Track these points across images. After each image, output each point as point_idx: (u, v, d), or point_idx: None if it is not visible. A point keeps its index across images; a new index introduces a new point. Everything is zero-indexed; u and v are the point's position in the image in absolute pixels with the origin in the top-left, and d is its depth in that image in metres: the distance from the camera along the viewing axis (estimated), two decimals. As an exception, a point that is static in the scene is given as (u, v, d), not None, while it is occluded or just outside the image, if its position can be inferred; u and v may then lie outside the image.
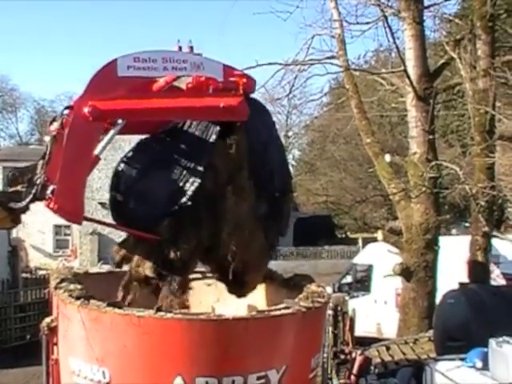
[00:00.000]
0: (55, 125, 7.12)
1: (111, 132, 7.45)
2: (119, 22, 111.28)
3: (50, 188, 6.92)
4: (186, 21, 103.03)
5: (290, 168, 8.77)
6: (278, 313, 7.14)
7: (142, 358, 6.70)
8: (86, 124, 6.93)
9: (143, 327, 6.66)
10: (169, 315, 6.70)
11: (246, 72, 8.09)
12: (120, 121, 7.46)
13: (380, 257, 21.22)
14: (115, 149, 40.91)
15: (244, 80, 7.83)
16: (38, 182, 7.04)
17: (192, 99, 7.57)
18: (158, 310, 6.74)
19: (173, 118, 7.84)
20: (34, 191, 7.00)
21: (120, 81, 7.15)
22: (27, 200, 7.04)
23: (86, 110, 6.90)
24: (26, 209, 7.13)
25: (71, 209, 7.05)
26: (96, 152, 7.33)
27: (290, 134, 71.78)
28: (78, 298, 7.15)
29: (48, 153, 7.09)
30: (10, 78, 76.73)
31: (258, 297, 8.91)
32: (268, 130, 8.31)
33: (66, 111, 7.09)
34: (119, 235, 32.67)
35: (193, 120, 7.90)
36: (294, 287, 8.43)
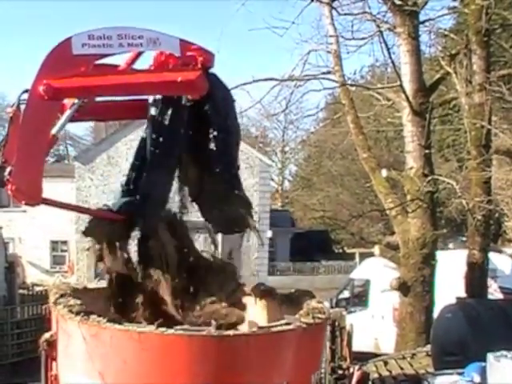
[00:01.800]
0: (12, 107, 7.08)
1: (68, 111, 7.37)
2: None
3: (8, 169, 6.82)
4: (184, 34, 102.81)
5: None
6: (278, 329, 7.11)
7: (143, 374, 6.67)
8: (41, 103, 6.83)
9: (143, 343, 6.64)
10: (169, 331, 6.69)
11: (203, 46, 7.96)
12: (77, 100, 7.41)
13: (377, 272, 21.24)
14: (112, 165, 41.27)
15: (202, 54, 7.74)
16: None
17: (150, 74, 7.57)
18: (159, 325, 6.74)
19: (130, 94, 7.81)
20: None
21: (75, 59, 7.04)
22: None
23: (40, 88, 6.81)
24: None
25: (28, 189, 6.91)
26: (53, 131, 7.23)
27: (287, 149, 71.82)
28: (77, 314, 7.13)
29: (5, 135, 7.06)
30: (6, 95, 76.77)
31: (259, 313, 8.90)
32: (226, 106, 8.25)
33: (24, 95, 7.02)
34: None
35: (151, 95, 7.88)
36: (295, 303, 8.41)
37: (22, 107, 7.04)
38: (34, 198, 7.12)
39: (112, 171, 40.33)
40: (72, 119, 7.57)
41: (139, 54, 7.91)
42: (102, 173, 40.28)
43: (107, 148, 40.58)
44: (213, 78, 7.81)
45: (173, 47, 7.61)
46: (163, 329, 6.69)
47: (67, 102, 7.49)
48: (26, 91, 6.98)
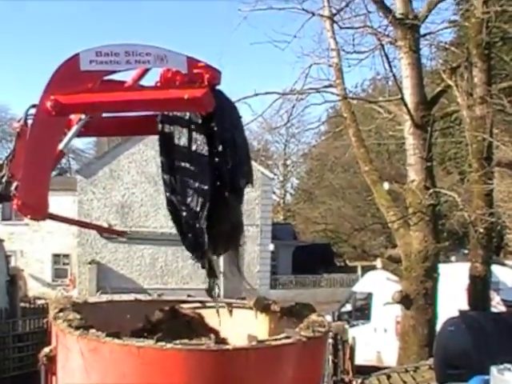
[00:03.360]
0: (19, 122, 7.09)
1: (75, 127, 7.37)
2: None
3: (14, 184, 6.80)
4: (185, 48, 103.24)
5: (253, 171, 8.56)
6: (278, 343, 7.03)
7: (142, 389, 6.62)
8: (49, 118, 6.80)
9: (142, 357, 6.57)
10: (168, 345, 6.61)
11: (209, 63, 8.00)
12: (83, 116, 7.43)
13: (379, 285, 21.15)
14: (114, 178, 41.34)
15: (209, 72, 7.68)
16: (3, 179, 6.93)
17: (156, 91, 7.54)
18: (158, 340, 6.68)
19: (137, 110, 7.79)
20: None
21: (83, 75, 7.00)
22: None
23: (48, 104, 6.78)
24: None
25: (34, 204, 6.88)
26: (60, 147, 7.26)
27: (289, 162, 72.00)
28: (77, 328, 7.07)
29: (12, 150, 7.10)
30: (9, 108, 76.92)
31: (258, 326, 8.84)
32: (233, 121, 8.23)
33: (31, 110, 7.08)
34: (118, 264, 32.42)
35: (158, 112, 7.88)
36: (295, 316, 8.33)
37: (29, 122, 7.06)
38: (41, 212, 7.11)
39: (114, 185, 40.41)
40: (78, 134, 7.56)
41: (146, 71, 7.90)
42: (104, 186, 40.34)
43: (109, 162, 40.67)
44: (219, 95, 7.81)
45: (180, 64, 7.58)
46: (162, 343, 6.62)
47: (74, 117, 7.50)
48: (34, 106, 6.95)
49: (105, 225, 39.35)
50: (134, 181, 40.54)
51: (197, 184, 7.74)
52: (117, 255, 39.74)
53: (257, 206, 40.72)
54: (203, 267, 8.08)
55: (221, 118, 7.76)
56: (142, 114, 7.99)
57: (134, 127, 8.46)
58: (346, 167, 51.84)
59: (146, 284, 39.80)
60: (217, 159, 7.83)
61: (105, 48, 7.16)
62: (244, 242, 8.39)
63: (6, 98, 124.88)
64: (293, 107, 18.41)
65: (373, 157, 21.37)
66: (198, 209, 7.67)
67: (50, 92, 6.85)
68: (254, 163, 38.40)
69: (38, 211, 7.06)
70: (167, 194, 8.02)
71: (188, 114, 7.82)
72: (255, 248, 41.67)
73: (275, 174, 63.99)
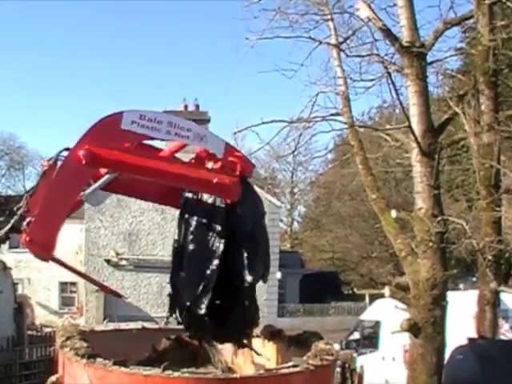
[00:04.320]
0: (49, 161, 7.23)
1: (101, 180, 7.46)
2: (124, 80, 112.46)
3: (28, 219, 7.00)
4: (193, 77, 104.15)
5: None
6: (286, 371, 7.02)
7: (149, 418, 6.58)
8: (78, 166, 6.94)
9: (150, 386, 6.55)
10: (175, 374, 6.60)
11: (245, 155, 8.22)
12: (112, 172, 7.48)
13: (387, 313, 21.04)
14: (122, 207, 41.35)
15: (243, 163, 7.92)
16: (18, 212, 7.12)
17: (188, 168, 7.68)
18: (165, 368, 6.65)
19: (165, 181, 7.87)
20: (12, 221, 7.10)
21: (121, 134, 7.16)
22: (5, 229, 7.15)
23: (81, 152, 6.90)
24: (4, 237, 7.20)
25: (42, 243, 7.06)
26: (81, 195, 7.33)
27: (296, 190, 72.01)
28: (84, 357, 7.06)
29: (35, 185, 7.18)
30: (18, 136, 77.00)
31: (266, 355, 8.80)
32: (255, 215, 8.23)
33: (64, 152, 7.13)
34: (125, 293, 32.33)
35: (185, 187, 7.97)
36: (303, 345, 8.32)
37: (59, 164, 7.19)
38: (46, 253, 7.28)
39: (122, 213, 40.40)
40: (102, 187, 7.69)
41: (183, 146, 8.04)
42: (112, 214, 40.33)
43: (117, 190, 40.74)
44: (247, 187, 7.98)
45: (217, 148, 7.80)
46: (169, 372, 6.62)
47: (103, 171, 7.57)
48: (67, 149, 7.15)
49: (112, 253, 39.49)
50: (141, 209, 40.51)
51: (205, 270, 7.77)
52: (124, 283, 39.63)
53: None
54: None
55: (243, 209, 7.84)
56: (169, 185, 8.08)
57: (158, 195, 8.56)
58: (354, 195, 51.82)
59: (153, 312, 39.66)
60: (231, 251, 7.85)
61: (150, 113, 7.36)
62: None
63: (14, 126, 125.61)
64: (300, 135, 18.43)
65: (380, 184, 21.33)
66: (199, 293, 7.69)
67: (85, 141, 7.02)
68: (261, 191, 38.09)
69: (44, 251, 7.21)
70: (173, 272, 8.06)
71: (213, 198, 7.97)
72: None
73: (282, 202, 63.98)
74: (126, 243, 40.43)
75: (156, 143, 8.04)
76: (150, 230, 40.63)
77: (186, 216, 7.96)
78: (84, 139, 7.01)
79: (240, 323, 8.05)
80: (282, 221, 63.35)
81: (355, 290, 63.39)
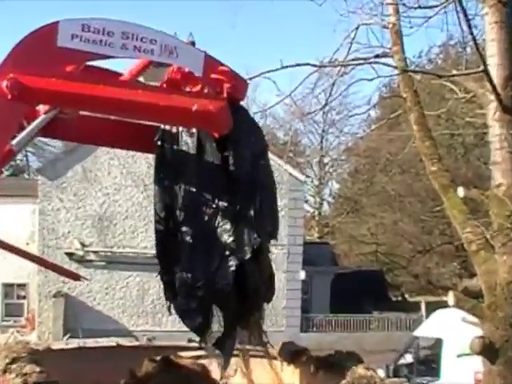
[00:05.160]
0: None
1: (37, 120, 7.30)
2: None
3: None
4: (187, 4, 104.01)
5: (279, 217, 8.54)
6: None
7: None
8: (1, 102, 6.74)
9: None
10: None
11: (234, 70, 7.88)
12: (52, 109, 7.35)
13: (451, 328, 21.07)
14: (89, 181, 41.55)
15: (231, 80, 7.64)
16: None
17: (157, 95, 7.40)
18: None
19: (126, 115, 7.70)
20: None
21: (59, 53, 6.92)
22: None
23: (3, 83, 6.68)
24: None
25: None
26: (13, 143, 7.18)
27: (326, 160, 71.85)
28: (35, 385, 7.08)
29: None
30: None
31: (287, 381, 8.84)
32: (254, 152, 8.13)
33: None
34: (94, 298, 32.74)
35: (155, 122, 7.83)
36: (334, 369, 8.32)
37: None
38: None
39: (89, 189, 40.57)
40: (44, 133, 7.62)
41: (148, 64, 7.84)
42: (76, 191, 40.47)
43: (83, 158, 40.76)
44: (240, 113, 7.78)
45: (194, 63, 7.51)
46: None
47: (41, 108, 7.44)
48: None
49: (76, 244, 39.65)
50: (116, 184, 40.68)
51: (215, 233, 7.78)
52: (92, 285, 39.85)
53: (283, 220, 40.62)
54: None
55: (237, 146, 7.72)
56: (138, 122, 7.93)
57: (125, 138, 8.37)
58: (405, 167, 51.83)
59: (132, 324, 39.91)
60: (226, 204, 7.81)
61: (95, 22, 7.10)
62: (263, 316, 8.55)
63: None
64: (333, 84, 18.33)
65: (442, 153, 21.23)
66: (218, 264, 7.72)
67: (8, 68, 6.80)
68: (279, 161, 38.30)
69: None
70: (157, 227, 8.01)
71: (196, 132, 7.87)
72: (281, 277, 41.55)
73: (308, 177, 64.11)
74: (95, 231, 40.61)
75: (109, 64, 7.80)
76: (128, 212, 40.82)
77: (166, 167, 7.89)
78: (6, 65, 6.76)
79: (253, 300, 8.14)
80: (307, 201, 63.47)
81: (407, 296, 63.55)
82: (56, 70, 6.95)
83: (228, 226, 7.65)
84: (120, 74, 7.86)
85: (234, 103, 7.58)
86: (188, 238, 7.76)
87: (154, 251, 8.24)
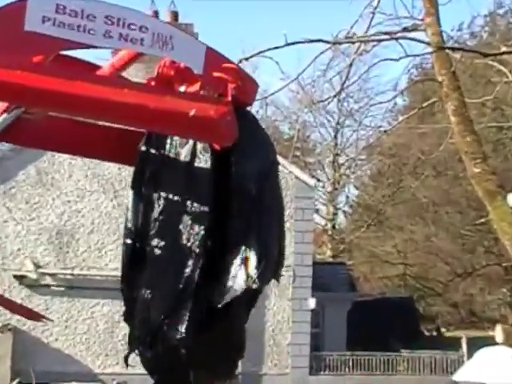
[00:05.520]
0: None
1: None
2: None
3: None
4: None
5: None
6: None
7: None
8: None
9: None
10: None
11: (241, 68, 7.81)
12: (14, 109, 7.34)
13: (501, 371, 21.06)
14: (45, 185, 41.49)
15: (238, 79, 7.69)
16: None
17: (144, 94, 7.33)
18: None
19: (106, 119, 7.59)
20: None
21: (26, 38, 6.92)
22: None
23: None
24: None
25: None
26: None
27: (342, 160, 71.69)
28: None
29: None
30: None
31: None
32: (263, 168, 8.08)
33: None
34: (50, 332, 32.80)
35: (141, 128, 7.72)
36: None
37: None
38: None
39: (45, 196, 40.51)
40: (2, 137, 7.68)
41: (135, 57, 7.77)
42: (28, 198, 40.44)
43: (37, 157, 40.70)
44: (247, 120, 7.71)
45: (193, 58, 7.35)
46: None
47: (1, 106, 7.44)
48: None
49: (28, 265, 39.61)
50: (79, 190, 40.64)
51: (182, 267, 7.72)
52: (49, 317, 39.79)
53: (288, 235, 40.34)
54: None
55: (240, 159, 7.68)
56: (114, 126, 7.87)
57: (97, 146, 8.32)
58: (441, 168, 51.88)
59: (99, 366, 39.87)
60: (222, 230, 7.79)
61: (73, 2, 6.97)
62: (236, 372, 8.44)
63: None
64: (350, 65, 18.42)
65: (488, 150, 21.27)
66: (174, 305, 7.65)
67: None
68: (283, 162, 38.57)
69: None
70: (126, 245, 7.98)
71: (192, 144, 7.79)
72: (285, 306, 41.68)
73: (319, 180, 64.09)
74: (52, 248, 40.56)
75: (88, 55, 7.78)
76: (93, 225, 40.79)
77: (147, 182, 7.89)
78: None
79: (229, 345, 8.07)
80: (317, 211, 63.43)
81: (443, 330, 63.57)
82: (21, 59, 6.90)
83: (216, 257, 7.63)
84: (97, 67, 7.79)
85: (240, 108, 7.56)
86: (156, 262, 7.76)
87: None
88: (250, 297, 7.78)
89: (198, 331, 7.63)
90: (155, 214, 7.70)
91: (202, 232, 7.53)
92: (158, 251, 7.68)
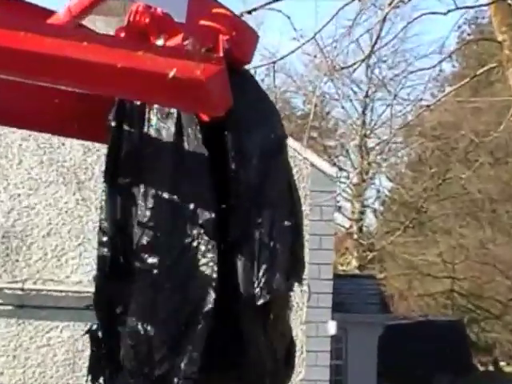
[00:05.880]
0: None
1: None
2: None
3: None
4: None
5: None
6: None
7: None
8: None
9: None
10: None
11: (235, 14, 7.77)
12: None
13: None
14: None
15: (232, 29, 7.51)
16: None
17: (113, 50, 7.28)
18: None
19: (62, 83, 7.57)
20: None
21: None
22: None
23: None
24: None
25: None
26: None
27: (371, 143, 71.37)
28: None
29: None
30: None
31: None
32: (265, 143, 8.02)
33: None
34: (40, 353, 32.81)
35: (107, 94, 7.66)
36: None
37: None
38: None
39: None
40: None
41: (98, 1, 7.78)
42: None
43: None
44: (245, 84, 7.69)
45: (174, 1, 7.38)
46: None
47: None
48: None
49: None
50: (32, 180, 40.78)
51: (187, 280, 7.74)
52: (-7, 343, 40.07)
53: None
54: None
55: (238, 136, 7.66)
56: (83, 93, 7.85)
57: (63, 119, 8.35)
58: (500, 154, 52.00)
59: (57, 407, 40.09)
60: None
61: None
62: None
63: None
64: (383, 21, 18.45)
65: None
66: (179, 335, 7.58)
67: None
68: (296, 146, 38.92)
69: None
70: (101, 252, 7.96)
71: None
72: (297, 330, 41.74)
73: (342, 169, 64.15)
74: (-3, 254, 40.75)
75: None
76: (51, 225, 40.93)
77: (124, 161, 7.86)
78: None
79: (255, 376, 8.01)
80: (339, 209, 63.48)
81: (502, 363, 63.75)
82: None
83: (215, 259, 7.59)
84: (51, 12, 7.70)
85: (235, 67, 7.47)
86: (149, 276, 7.72)
87: (92, 289, 8.23)
88: (258, 312, 7.80)
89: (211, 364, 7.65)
90: (141, 214, 7.71)
91: (206, 237, 7.51)
92: (149, 262, 7.65)
